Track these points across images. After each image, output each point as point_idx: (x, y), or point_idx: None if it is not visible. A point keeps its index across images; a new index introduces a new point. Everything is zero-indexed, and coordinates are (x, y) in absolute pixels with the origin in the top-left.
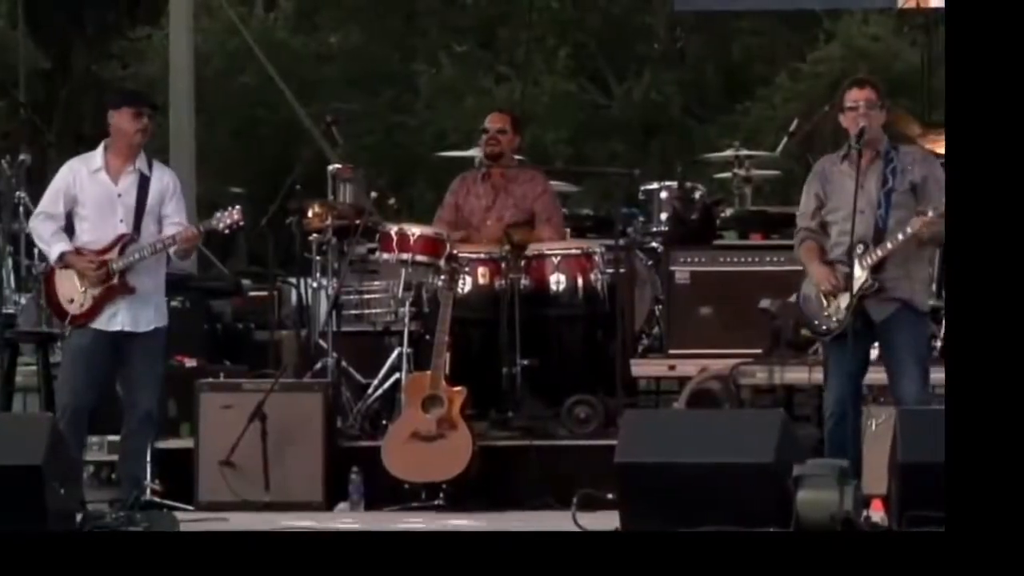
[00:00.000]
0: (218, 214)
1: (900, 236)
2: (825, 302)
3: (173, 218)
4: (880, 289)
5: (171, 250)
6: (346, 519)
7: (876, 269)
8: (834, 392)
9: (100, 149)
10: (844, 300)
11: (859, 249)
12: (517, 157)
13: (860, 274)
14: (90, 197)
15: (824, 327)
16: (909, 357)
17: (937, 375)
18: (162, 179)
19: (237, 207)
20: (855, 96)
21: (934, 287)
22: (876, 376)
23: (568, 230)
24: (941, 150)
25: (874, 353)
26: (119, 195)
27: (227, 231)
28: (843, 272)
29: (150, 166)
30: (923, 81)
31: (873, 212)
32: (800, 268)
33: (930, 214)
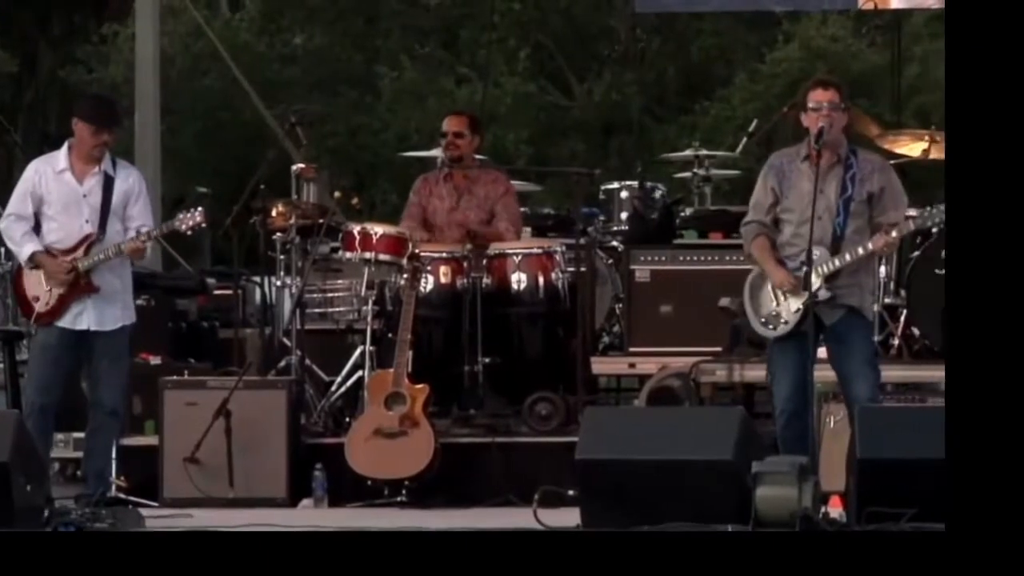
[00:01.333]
0: (180, 215)
1: (860, 251)
2: (775, 302)
3: (138, 219)
4: (834, 295)
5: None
6: (309, 515)
7: (831, 277)
8: (783, 390)
9: (64, 149)
10: (795, 303)
11: (816, 254)
12: (479, 157)
13: (816, 281)
14: (56, 197)
15: (772, 326)
16: (861, 360)
17: (935, 373)
18: (127, 179)
19: (200, 208)
20: (818, 97)
21: (892, 286)
22: (831, 374)
23: (530, 229)
24: (899, 150)
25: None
26: (84, 195)
27: (189, 232)
28: (799, 275)
29: (114, 166)
30: (893, 82)
31: (831, 219)
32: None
33: (893, 235)
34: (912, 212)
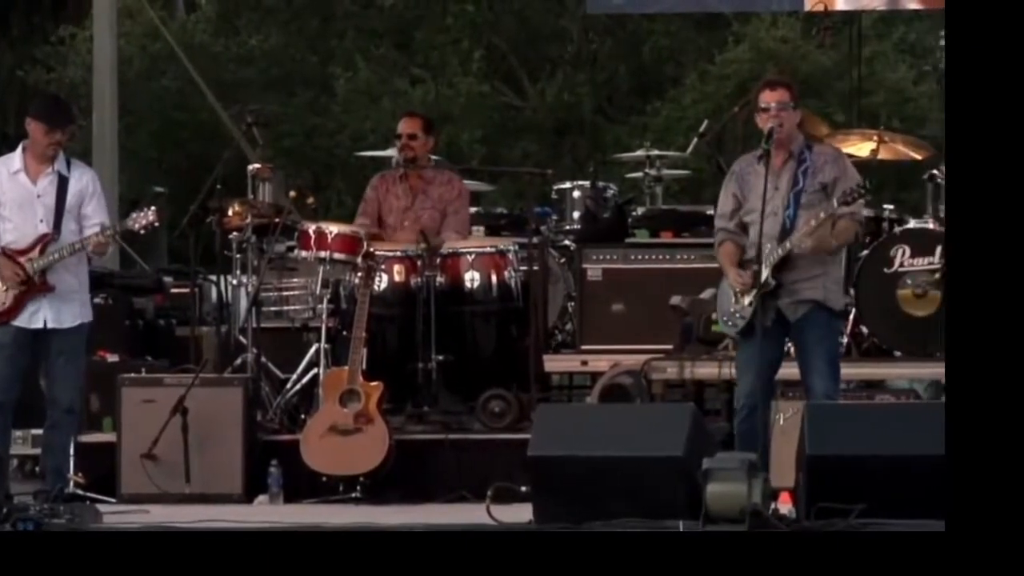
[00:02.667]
0: (134, 214)
1: (787, 244)
2: (735, 300)
3: (93, 218)
4: (794, 290)
5: (88, 250)
6: (265, 511)
7: (779, 269)
8: (744, 386)
9: (19, 150)
10: (749, 298)
11: (766, 248)
12: (434, 158)
13: (764, 274)
14: (11, 198)
15: (731, 323)
16: (820, 355)
17: (884, 371)
18: (81, 179)
19: (153, 208)
20: (767, 97)
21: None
22: (785, 371)
23: (483, 228)
24: (848, 150)
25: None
26: (38, 195)
27: (143, 231)
28: (754, 272)
29: (69, 166)
30: (849, 82)
31: (783, 213)
32: (711, 266)
33: (811, 223)
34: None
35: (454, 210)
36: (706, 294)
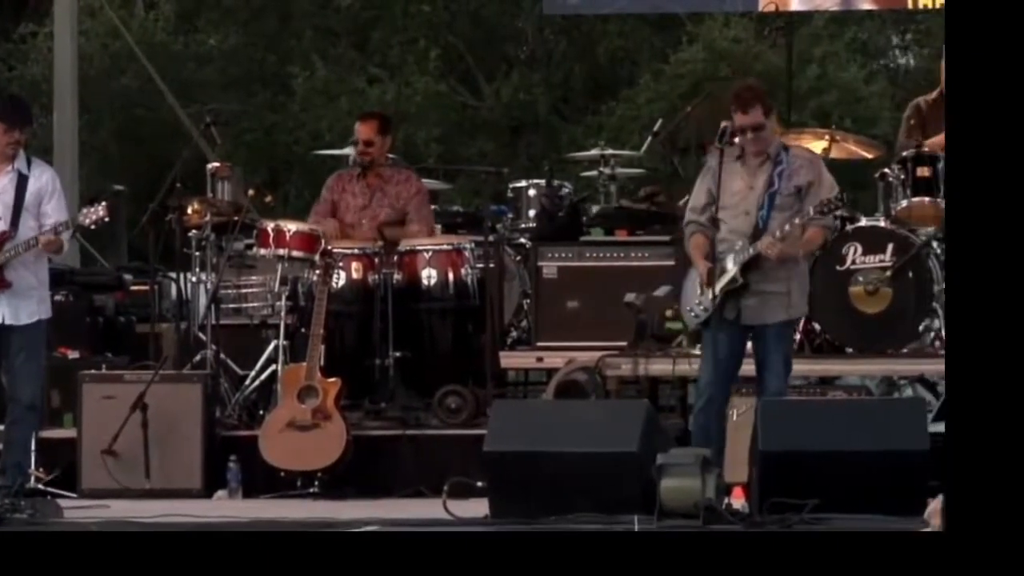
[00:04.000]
0: (84, 210)
1: (757, 246)
2: (700, 291)
3: (53, 215)
4: (757, 292)
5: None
6: (224, 506)
7: (747, 268)
8: (705, 376)
9: None
10: (711, 292)
11: (736, 246)
12: (391, 156)
13: (732, 270)
14: None
15: (694, 314)
16: (777, 354)
17: (836, 367)
18: (40, 177)
19: (103, 203)
20: (741, 120)
21: None
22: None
23: (439, 227)
24: None
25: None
26: None
27: (93, 226)
28: (720, 267)
29: (29, 164)
30: (788, 82)
31: (756, 213)
32: (665, 264)
33: (777, 234)
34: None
35: (415, 207)
36: (660, 291)
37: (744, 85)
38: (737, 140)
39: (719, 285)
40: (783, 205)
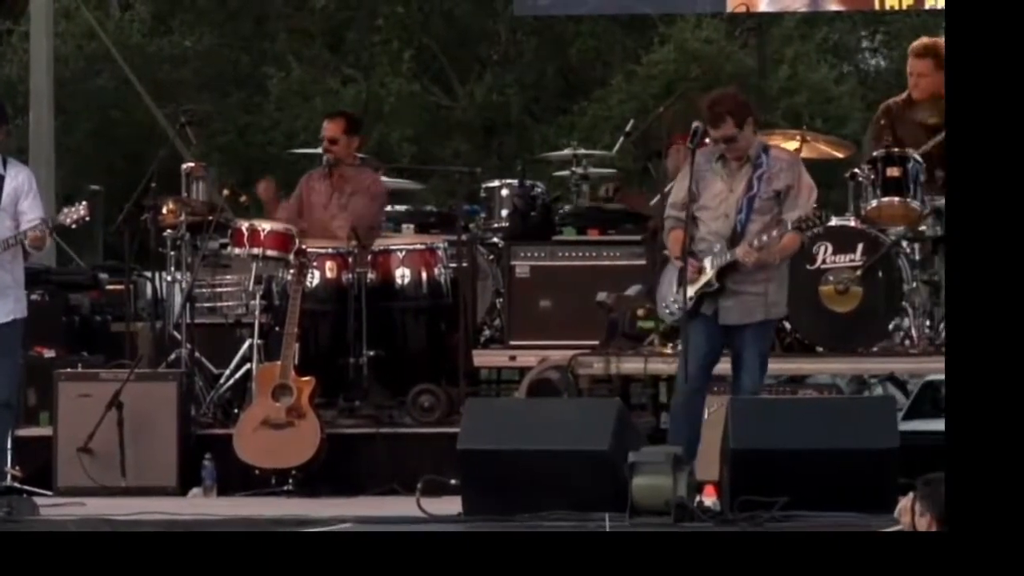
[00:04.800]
0: (65, 209)
1: (735, 253)
2: (675, 288)
3: (29, 215)
4: (734, 293)
5: (25, 245)
6: (199, 504)
7: (725, 271)
8: (682, 371)
9: None
10: (690, 291)
11: (715, 248)
12: (362, 156)
13: (709, 274)
14: None
15: (668, 311)
16: (754, 354)
17: (806, 366)
18: (16, 177)
19: (84, 203)
20: (715, 134)
21: None
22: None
23: (413, 226)
24: None
25: None
26: None
27: (74, 226)
28: (699, 266)
29: (4, 164)
30: (761, 82)
31: (735, 216)
32: (636, 263)
33: (755, 243)
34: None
35: (356, 199)
36: (632, 290)
37: (714, 98)
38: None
39: (695, 287)
40: (762, 209)
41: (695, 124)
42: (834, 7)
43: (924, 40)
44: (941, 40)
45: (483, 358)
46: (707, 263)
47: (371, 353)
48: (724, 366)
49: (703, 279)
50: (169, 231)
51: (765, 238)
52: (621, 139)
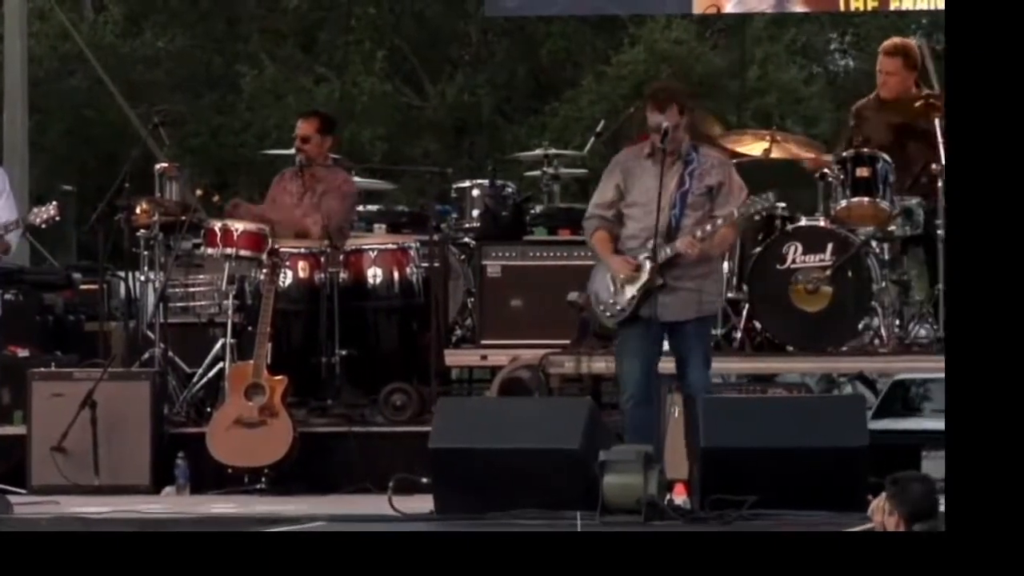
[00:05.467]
0: (35, 209)
1: (677, 245)
2: (613, 289)
3: (1, 215)
4: (671, 288)
5: None
6: (172, 502)
7: (664, 267)
8: (631, 375)
9: None
10: (631, 290)
11: (650, 244)
12: (335, 156)
13: (648, 269)
14: None
15: (610, 314)
16: (698, 350)
17: (776, 365)
18: None
19: (54, 203)
20: (654, 122)
21: (735, 281)
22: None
23: (385, 226)
24: (741, 149)
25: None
26: None
27: (44, 225)
28: (634, 263)
29: None
30: (741, 83)
31: (669, 212)
32: None
33: (697, 233)
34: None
35: (327, 198)
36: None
37: (660, 84)
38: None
39: (638, 284)
40: (695, 204)
41: (665, 124)
42: (799, 8)
43: (895, 40)
44: (911, 41)
45: (455, 357)
46: (644, 260)
47: (343, 352)
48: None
49: (643, 277)
50: (142, 231)
51: (709, 228)
52: (592, 139)
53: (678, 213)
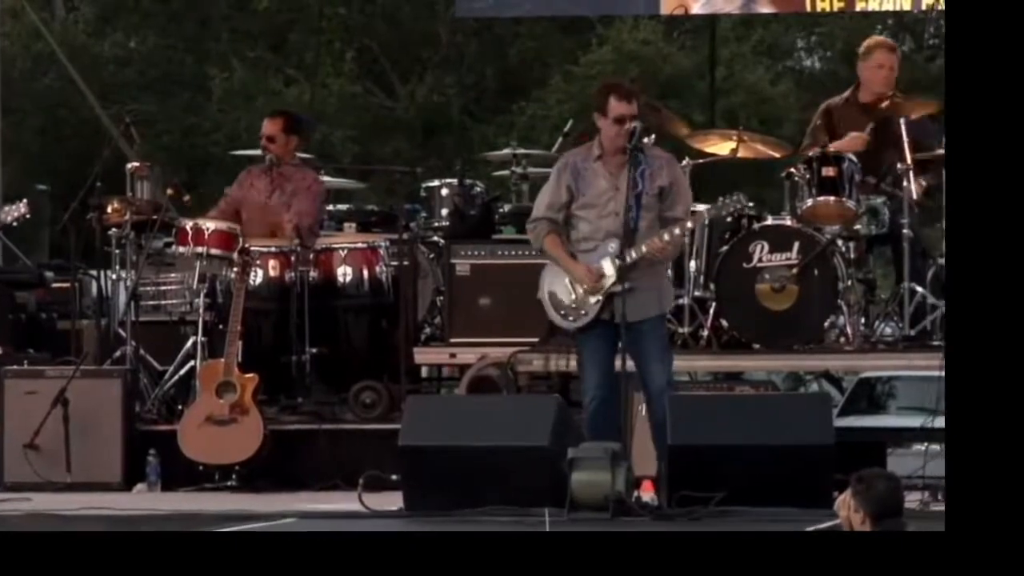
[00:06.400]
0: (6, 207)
1: (644, 249)
2: (573, 294)
3: None
4: (632, 289)
5: None
6: (144, 499)
7: (626, 270)
8: (592, 378)
9: None
10: (594, 297)
11: (609, 247)
12: (304, 156)
13: (611, 273)
14: None
15: (571, 318)
16: (657, 350)
17: (742, 363)
18: None
19: (24, 201)
20: (622, 110)
21: (701, 279)
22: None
23: (355, 225)
24: (709, 149)
25: None
26: None
27: (15, 223)
28: (597, 270)
29: None
30: (710, 83)
31: (626, 214)
32: None
33: (666, 237)
34: (700, 207)
35: (299, 199)
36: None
37: (620, 79)
38: (603, 124)
39: (603, 290)
40: (649, 205)
41: (632, 124)
42: (766, 9)
43: (885, 38)
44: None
45: (424, 356)
46: (605, 264)
47: (313, 350)
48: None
49: (607, 281)
50: (114, 230)
51: (677, 231)
52: (560, 139)
53: (635, 215)
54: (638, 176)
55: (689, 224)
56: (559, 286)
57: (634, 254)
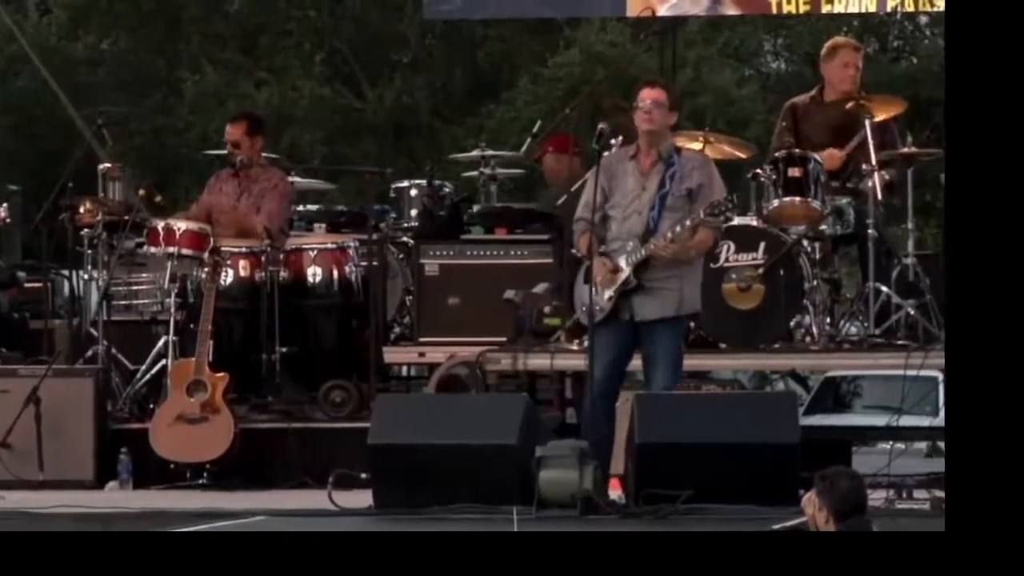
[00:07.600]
0: None
1: (651, 247)
2: (595, 291)
3: None
4: (649, 289)
5: None
6: (115, 497)
7: (640, 268)
8: (597, 372)
9: None
10: (608, 292)
11: (628, 246)
12: (272, 156)
13: (626, 270)
14: None
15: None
16: (664, 352)
17: (708, 362)
18: None
19: (4, 204)
20: (644, 95)
21: None
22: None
23: (324, 225)
24: None
25: None
26: None
27: None
28: (613, 263)
29: None
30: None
31: (648, 214)
32: (543, 262)
33: (669, 235)
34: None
35: (268, 199)
36: (539, 288)
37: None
38: (636, 117)
39: (614, 287)
40: (674, 206)
41: (600, 126)
42: (732, 11)
43: (848, 38)
44: None
45: (393, 355)
46: (622, 262)
47: (283, 350)
48: (635, 363)
49: (621, 278)
50: (86, 230)
51: (679, 229)
52: (528, 140)
53: (656, 215)
54: (667, 177)
55: (688, 224)
56: (584, 283)
57: (642, 252)
